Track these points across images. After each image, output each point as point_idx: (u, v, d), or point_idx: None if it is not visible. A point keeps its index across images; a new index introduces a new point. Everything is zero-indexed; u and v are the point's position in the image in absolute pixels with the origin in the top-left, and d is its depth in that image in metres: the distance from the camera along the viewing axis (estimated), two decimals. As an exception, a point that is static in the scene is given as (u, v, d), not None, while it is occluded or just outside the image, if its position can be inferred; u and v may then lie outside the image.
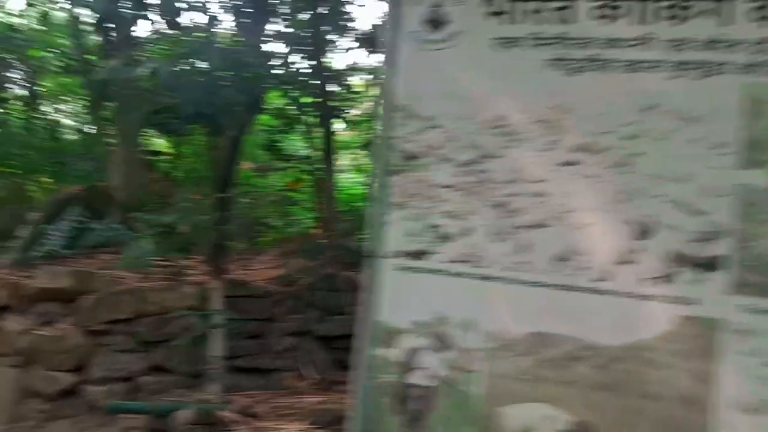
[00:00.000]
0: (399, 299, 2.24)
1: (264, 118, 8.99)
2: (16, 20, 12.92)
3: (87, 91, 9.72)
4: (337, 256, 6.09)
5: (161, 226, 4.24)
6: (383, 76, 2.31)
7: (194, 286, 4.81)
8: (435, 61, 2.21)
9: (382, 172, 2.27)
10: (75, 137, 12.49)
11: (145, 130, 7.02)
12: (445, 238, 2.18)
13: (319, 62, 8.66)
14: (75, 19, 8.28)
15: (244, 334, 4.91)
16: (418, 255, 2.21)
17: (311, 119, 9.19)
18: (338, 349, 5.46)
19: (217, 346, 4.46)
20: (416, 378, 2.20)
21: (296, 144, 12.02)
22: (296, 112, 9.07)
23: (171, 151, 9.91)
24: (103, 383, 4.67)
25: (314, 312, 5.45)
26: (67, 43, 11.62)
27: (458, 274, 2.16)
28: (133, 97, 6.24)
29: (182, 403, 4.33)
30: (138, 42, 6.76)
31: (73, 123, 13.12)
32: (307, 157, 11.16)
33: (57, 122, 13.11)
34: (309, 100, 8.91)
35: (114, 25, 6.18)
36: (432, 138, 2.20)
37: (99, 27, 6.54)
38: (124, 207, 6.32)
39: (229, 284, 4.78)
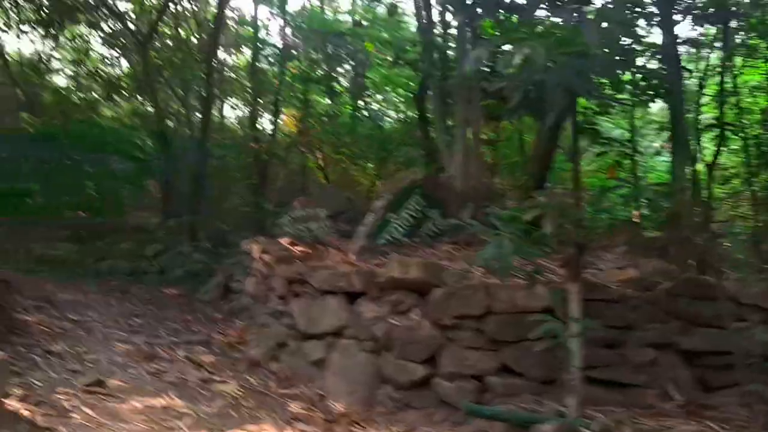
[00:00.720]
0: None
1: (580, 100, 8.35)
2: (345, 18, 14.04)
3: (420, 82, 10.04)
4: (699, 257, 5.29)
5: (521, 223, 3.96)
6: None
7: (548, 287, 4.46)
8: None
9: None
10: (398, 126, 13.19)
11: (481, 119, 6.91)
12: None
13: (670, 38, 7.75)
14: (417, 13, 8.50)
15: (599, 342, 4.44)
16: None
17: (637, 99, 8.30)
18: (704, 366, 4.72)
19: (573, 354, 4.05)
20: None
21: (613, 126, 11.12)
22: (616, 92, 8.25)
23: (492, 139, 9.81)
24: (452, 379, 4.59)
25: (676, 322, 4.76)
26: (390, 37, 12.24)
27: None
28: (474, 87, 6.15)
29: (540, 414, 4.03)
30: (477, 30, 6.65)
31: (395, 113, 13.90)
32: (629, 141, 10.20)
33: (381, 112, 14.01)
34: (629, 78, 8.04)
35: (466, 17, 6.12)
36: None
37: (460, 16, 6.50)
38: (462, 198, 6.27)
39: (583, 286, 4.33)
